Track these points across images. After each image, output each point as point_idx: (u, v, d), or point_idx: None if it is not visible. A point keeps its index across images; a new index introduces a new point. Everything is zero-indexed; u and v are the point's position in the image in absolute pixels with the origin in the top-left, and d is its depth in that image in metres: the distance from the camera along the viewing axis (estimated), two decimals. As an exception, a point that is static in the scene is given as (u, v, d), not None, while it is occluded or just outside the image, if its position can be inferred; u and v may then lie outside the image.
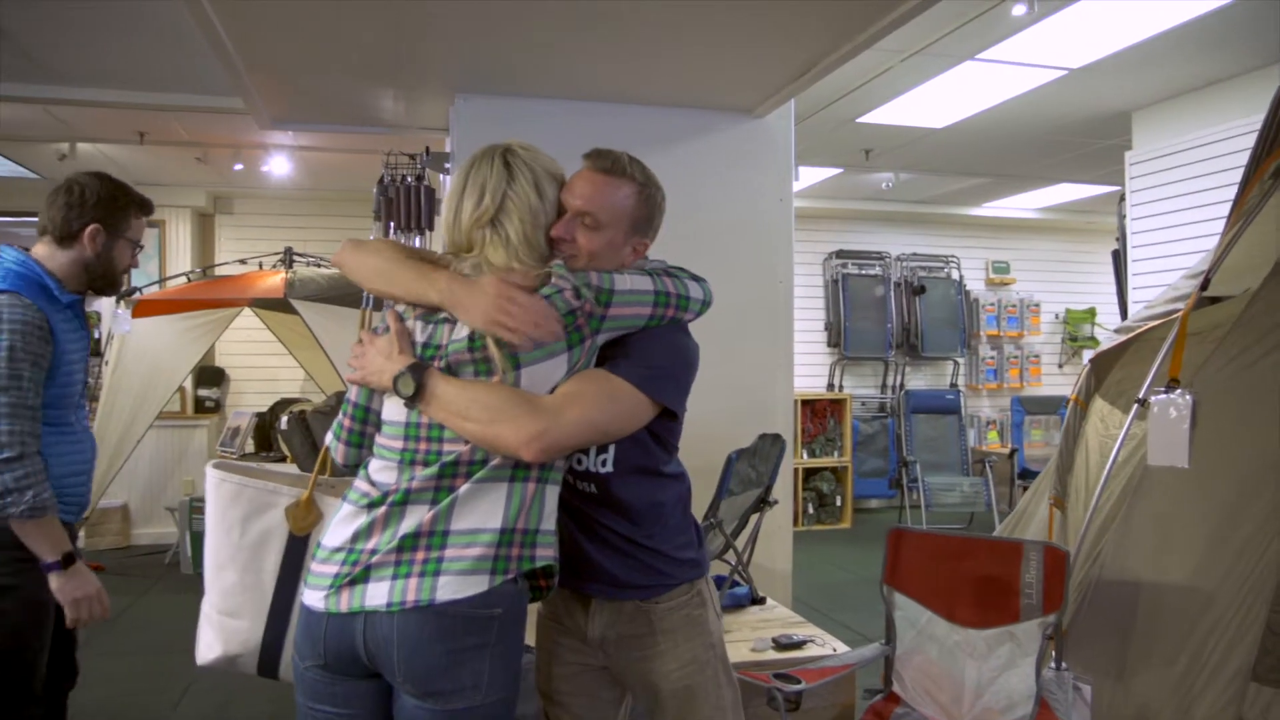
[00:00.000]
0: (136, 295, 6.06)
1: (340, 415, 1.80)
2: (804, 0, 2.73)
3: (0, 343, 2.18)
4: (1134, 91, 5.25)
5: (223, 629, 2.09)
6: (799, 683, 2.57)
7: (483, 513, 1.60)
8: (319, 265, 6.15)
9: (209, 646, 2.10)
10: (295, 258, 6.03)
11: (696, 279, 1.91)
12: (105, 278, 2.48)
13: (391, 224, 4.01)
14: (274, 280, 5.64)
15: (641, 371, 1.74)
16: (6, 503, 2.13)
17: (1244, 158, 2.54)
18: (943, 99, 5.30)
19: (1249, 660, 2.27)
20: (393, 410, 1.68)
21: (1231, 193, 2.61)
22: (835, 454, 8.29)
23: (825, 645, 2.97)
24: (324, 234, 7.18)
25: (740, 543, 3.27)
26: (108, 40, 4.08)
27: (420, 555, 1.57)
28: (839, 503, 8.24)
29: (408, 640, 1.55)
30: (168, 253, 7.64)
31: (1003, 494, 7.85)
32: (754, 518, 3.30)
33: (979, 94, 5.22)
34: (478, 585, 1.56)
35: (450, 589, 1.54)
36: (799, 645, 2.94)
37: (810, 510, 8.15)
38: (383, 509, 1.61)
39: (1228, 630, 2.34)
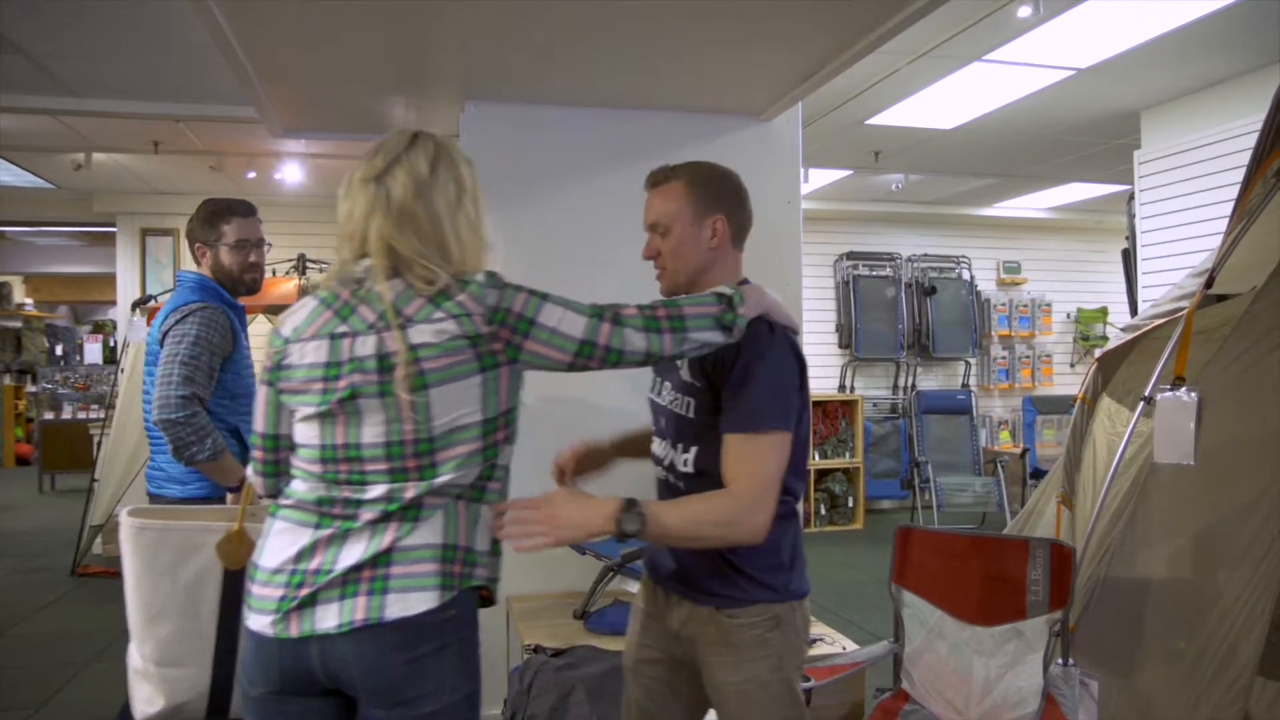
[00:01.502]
0: (151, 302, 6.12)
1: (253, 449, 1.75)
2: (810, 4, 2.76)
3: (190, 330, 2.70)
4: (1142, 91, 5.26)
5: (164, 680, 2.04)
6: (809, 680, 2.59)
7: (425, 532, 1.57)
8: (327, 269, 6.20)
9: (148, 701, 2.04)
10: (308, 264, 6.09)
11: (675, 328, 1.68)
12: (232, 282, 2.92)
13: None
14: (287, 287, 5.71)
15: (752, 410, 1.76)
16: (193, 451, 2.61)
17: (1250, 157, 2.55)
18: (951, 100, 5.32)
19: (1255, 655, 2.28)
20: (306, 434, 1.64)
21: (1240, 191, 2.63)
22: (847, 455, 8.30)
23: (835, 644, 2.99)
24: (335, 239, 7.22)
25: (750, 543, 3.29)
26: (121, 51, 4.15)
27: (366, 574, 1.54)
28: (851, 504, 8.25)
29: (365, 658, 1.53)
30: (181, 261, 7.71)
31: (1015, 494, 7.84)
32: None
33: (987, 95, 5.24)
34: (426, 602, 1.53)
35: (398, 606, 1.52)
36: (810, 644, 2.96)
37: (822, 511, 8.17)
38: (327, 530, 1.57)
39: (1234, 626, 2.35)
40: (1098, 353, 3.53)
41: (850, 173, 7.37)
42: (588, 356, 1.65)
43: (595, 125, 3.73)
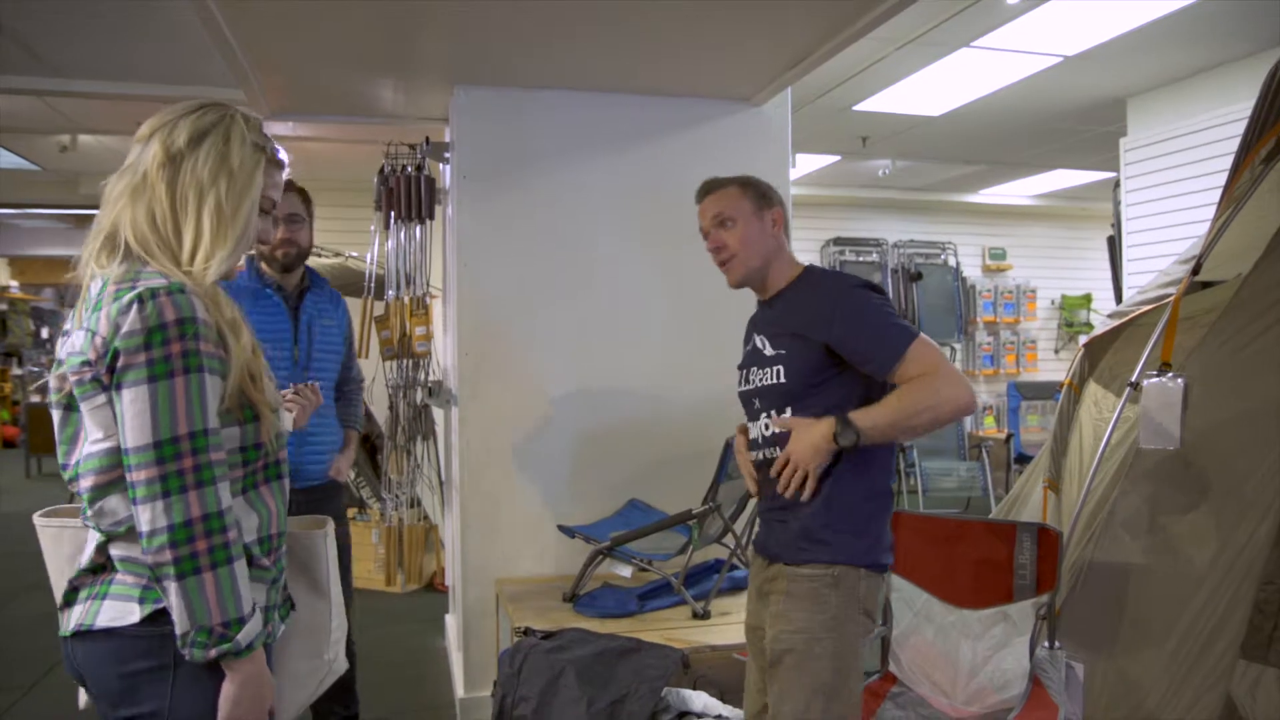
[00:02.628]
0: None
1: None
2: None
3: None
4: (1128, 78, 5.28)
5: None
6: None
7: (133, 540, 1.43)
8: (319, 254, 6.17)
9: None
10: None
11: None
12: (265, 259, 2.98)
13: (391, 213, 4.04)
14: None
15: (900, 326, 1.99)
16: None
17: (1238, 144, 2.57)
18: (938, 87, 5.33)
19: (1238, 638, 2.31)
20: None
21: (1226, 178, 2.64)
22: (833, 440, 8.31)
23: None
24: (324, 223, 7.10)
25: (739, 526, 3.31)
26: (107, 33, 4.11)
27: (89, 579, 1.48)
28: (837, 488, 8.27)
29: (89, 664, 1.47)
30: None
31: (999, 479, 7.89)
32: (752, 502, 3.34)
33: (974, 81, 5.25)
34: (129, 614, 1.43)
35: (109, 614, 1.44)
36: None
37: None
38: (85, 531, 1.52)
39: (1217, 609, 2.38)
40: (1084, 339, 3.55)
41: (838, 158, 7.38)
42: (130, 466, 1.39)
43: (585, 110, 3.73)
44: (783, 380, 2.08)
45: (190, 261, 1.46)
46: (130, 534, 1.42)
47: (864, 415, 1.93)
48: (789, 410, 2.05)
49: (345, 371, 3.18)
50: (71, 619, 1.48)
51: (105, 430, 1.42)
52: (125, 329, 1.36)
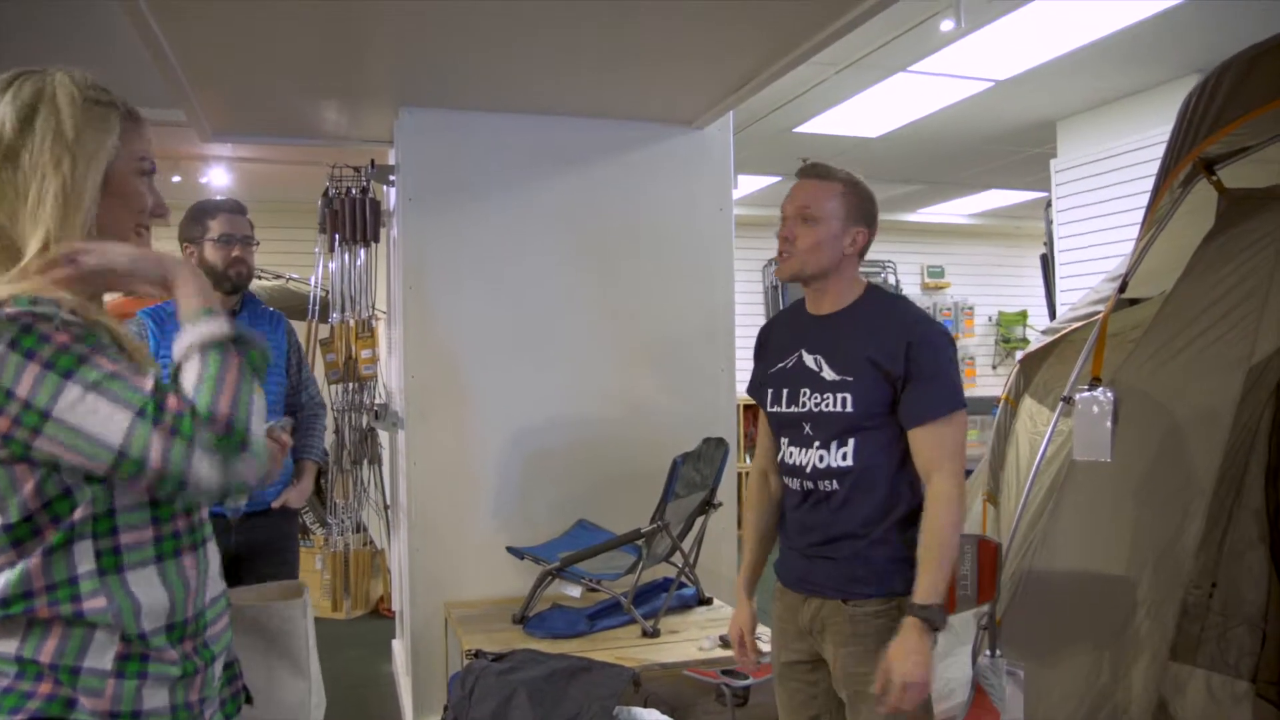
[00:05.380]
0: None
1: None
2: (742, 17, 2.82)
3: None
4: (1058, 101, 5.44)
5: None
6: (746, 678, 2.65)
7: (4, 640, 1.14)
8: (260, 276, 6.11)
9: None
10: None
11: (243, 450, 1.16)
12: (217, 278, 2.89)
13: (336, 236, 4.03)
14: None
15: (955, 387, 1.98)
16: None
17: (1158, 167, 2.68)
18: (876, 109, 5.45)
19: (1167, 642, 2.40)
20: None
21: (1153, 198, 2.75)
22: (778, 457, 8.40)
23: (770, 643, 3.05)
24: (266, 245, 7.05)
25: (686, 545, 3.34)
26: (43, 51, 4.04)
27: None
28: (783, 505, 8.34)
29: None
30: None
31: (941, 493, 8.01)
32: (699, 520, 3.37)
33: (911, 104, 5.38)
34: None
35: None
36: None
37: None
38: None
39: (1149, 614, 2.47)
40: (1020, 355, 3.65)
41: (779, 179, 7.48)
42: (130, 476, 1.09)
43: (530, 131, 3.75)
44: (850, 410, 1.98)
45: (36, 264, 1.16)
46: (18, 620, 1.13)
47: (926, 592, 1.87)
48: (851, 441, 1.99)
49: (295, 396, 3.13)
50: None
51: None
52: None
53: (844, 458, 2.00)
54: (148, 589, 1.19)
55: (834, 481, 2.01)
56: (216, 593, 1.32)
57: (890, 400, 1.95)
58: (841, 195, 2.07)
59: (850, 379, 1.99)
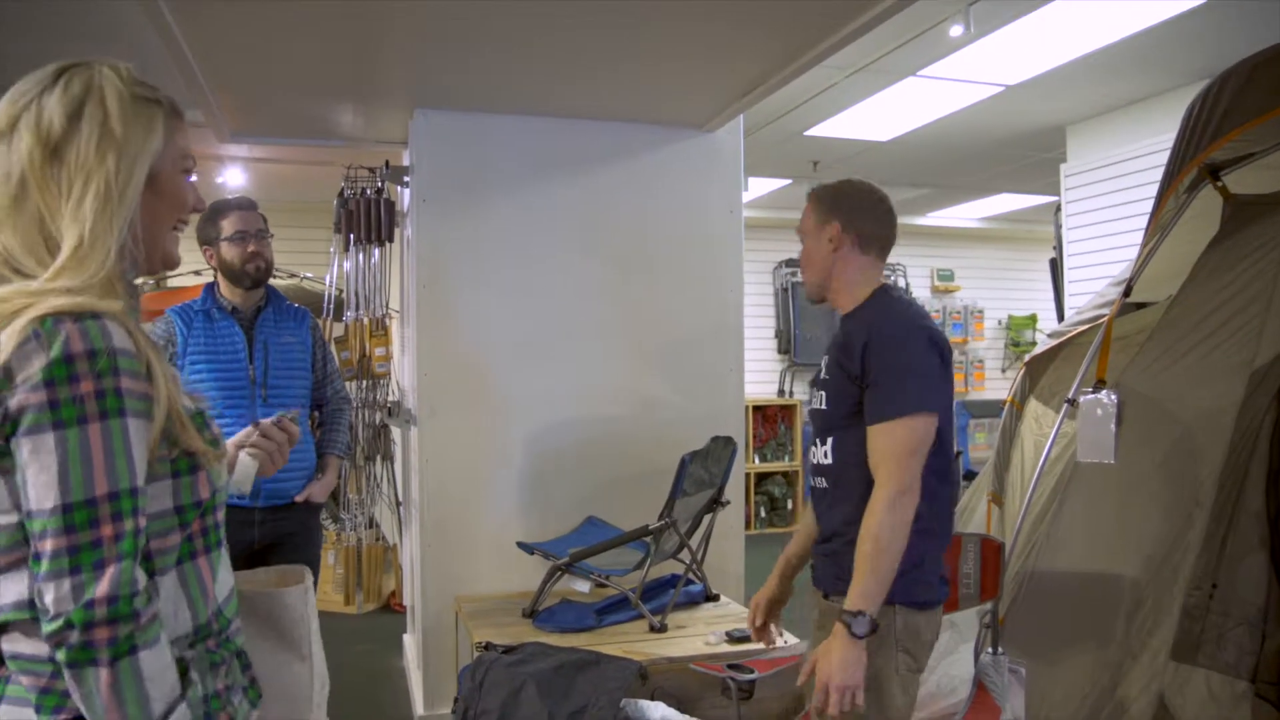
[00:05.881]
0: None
1: None
2: (754, 21, 2.86)
3: None
4: (1068, 107, 5.46)
5: None
6: (752, 672, 2.69)
7: (37, 638, 1.13)
8: (274, 276, 6.17)
9: None
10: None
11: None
12: (236, 275, 2.99)
13: (351, 235, 4.08)
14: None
15: (910, 393, 1.93)
16: None
17: (1163, 173, 2.71)
18: (887, 113, 5.48)
19: (1168, 642, 2.43)
20: None
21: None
22: (786, 459, 8.45)
23: (777, 637, 3.09)
24: (281, 244, 7.12)
25: (694, 542, 3.38)
26: (62, 52, 4.10)
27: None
28: (790, 506, 8.39)
29: None
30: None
31: (949, 496, 8.03)
32: (707, 518, 3.41)
33: (921, 109, 5.40)
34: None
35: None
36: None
37: (762, 514, 8.30)
38: None
39: (1150, 614, 2.50)
40: (1026, 358, 3.69)
41: (789, 182, 7.51)
42: (35, 534, 1.08)
43: (544, 135, 3.80)
44: (825, 407, 2.05)
45: (72, 263, 1.13)
46: (22, 624, 1.13)
47: (852, 599, 1.85)
48: (830, 439, 2.02)
49: (320, 390, 3.17)
50: None
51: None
52: (19, 369, 1.07)
53: (826, 455, 2.07)
54: (173, 592, 1.21)
55: (824, 479, 2.07)
56: (229, 589, 1.33)
57: (856, 400, 1.96)
58: (813, 204, 2.14)
59: (827, 378, 2.07)
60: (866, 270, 2.10)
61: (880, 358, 1.92)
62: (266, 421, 1.59)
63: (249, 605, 1.47)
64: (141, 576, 1.11)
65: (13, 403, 1.07)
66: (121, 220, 1.18)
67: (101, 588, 1.06)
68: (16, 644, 1.14)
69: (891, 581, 1.86)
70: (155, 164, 1.23)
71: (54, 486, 1.06)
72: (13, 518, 1.11)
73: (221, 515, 1.31)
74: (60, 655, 1.07)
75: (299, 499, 2.97)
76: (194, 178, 1.33)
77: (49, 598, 1.06)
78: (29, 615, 1.12)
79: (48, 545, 1.06)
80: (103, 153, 1.17)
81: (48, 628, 1.06)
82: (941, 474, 2.00)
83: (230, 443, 1.54)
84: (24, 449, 1.07)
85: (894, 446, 1.88)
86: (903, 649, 1.94)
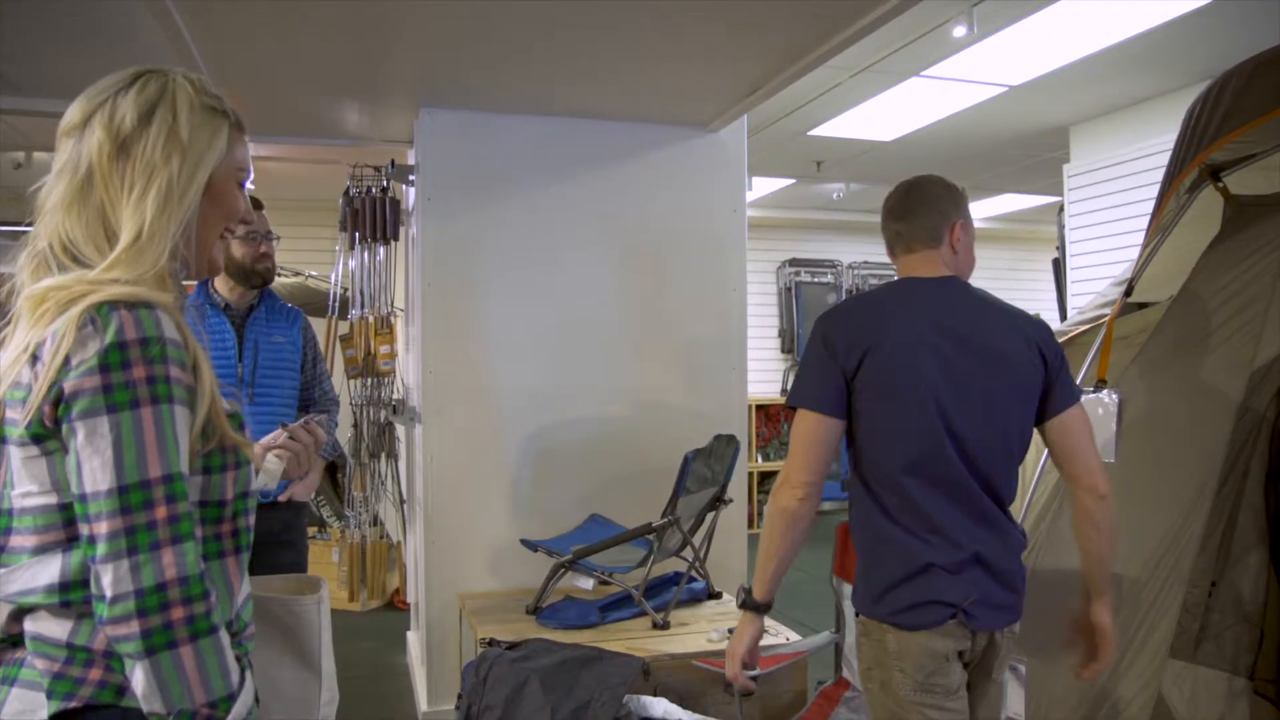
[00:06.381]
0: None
1: None
2: (758, 22, 2.89)
3: None
4: (1070, 107, 5.48)
5: None
6: (753, 669, 2.71)
7: (48, 623, 1.16)
8: (279, 274, 6.19)
9: None
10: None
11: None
12: (245, 274, 2.97)
13: (356, 234, 4.11)
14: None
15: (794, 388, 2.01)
16: None
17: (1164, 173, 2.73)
18: (890, 113, 5.49)
19: (1168, 639, 2.45)
20: None
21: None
22: (789, 458, 8.45)
23: (779, 635, 3.11)
24: (285, 242, 7.17)
25: (697, 540, 3.40)
26: (67, 52, 4.12)
27: (12, 656, 1.19)
28: (793, 505, 8.39)
29: None
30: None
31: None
32: (710, 516, 3.44)
33: (924, 109, 5.42)
34: (37, 708, 1.14)
35: (14, 706, 1.16)
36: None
37: (765, 513, 8.30)
38: None
39: (1150, 612, 2.52)
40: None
41: (793, 182, 7.53)
42: (89, 516, 1.10)
43: (548, 134, 3.83)
44: None
45: (129, 255, 1.18)
46: (51, 607, 1.15)
47: (754, 575, 2.03)
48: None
49: (309, 391, 3.16)
50: None
51: (39, 484, 1.15)
52: (75, 354, 1.10)
53: None
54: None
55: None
56: (247, 592, 1.35)
57: None
58: None
59: None
60: (899, 272, 2.18)
61: None
62: (294, 425, 1.64)
63: (261, 610, 1.47)
64: (203, 567, 1.13)
65: (67, 386, 1.09)
66: (179, 220, 1.23)
67: (170, 571, 1.08)
68: (41, 625, 1.16)
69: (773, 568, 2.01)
70: (214, 172, 1.29)
71: (109, 469, 1.08)
72: (52, 499, 1.14)
73: (251, 519, 1.33)
74: (129, 644, 1.08)
75: (282, 499, 2.95)
76: (248, 189, 1.40)
77: (106, 580, 1.07)
78: (59, 599, 1.14)
79: (104, 528, 1.08)
80: (168, 153, 1.22)
81: (109, 611, 1.07)
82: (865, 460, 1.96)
83: (259, 445, 1.59)
84: (79, 433, 1.09)
85: (793, 436, 1.96)
86: (899, 668, 1.90)
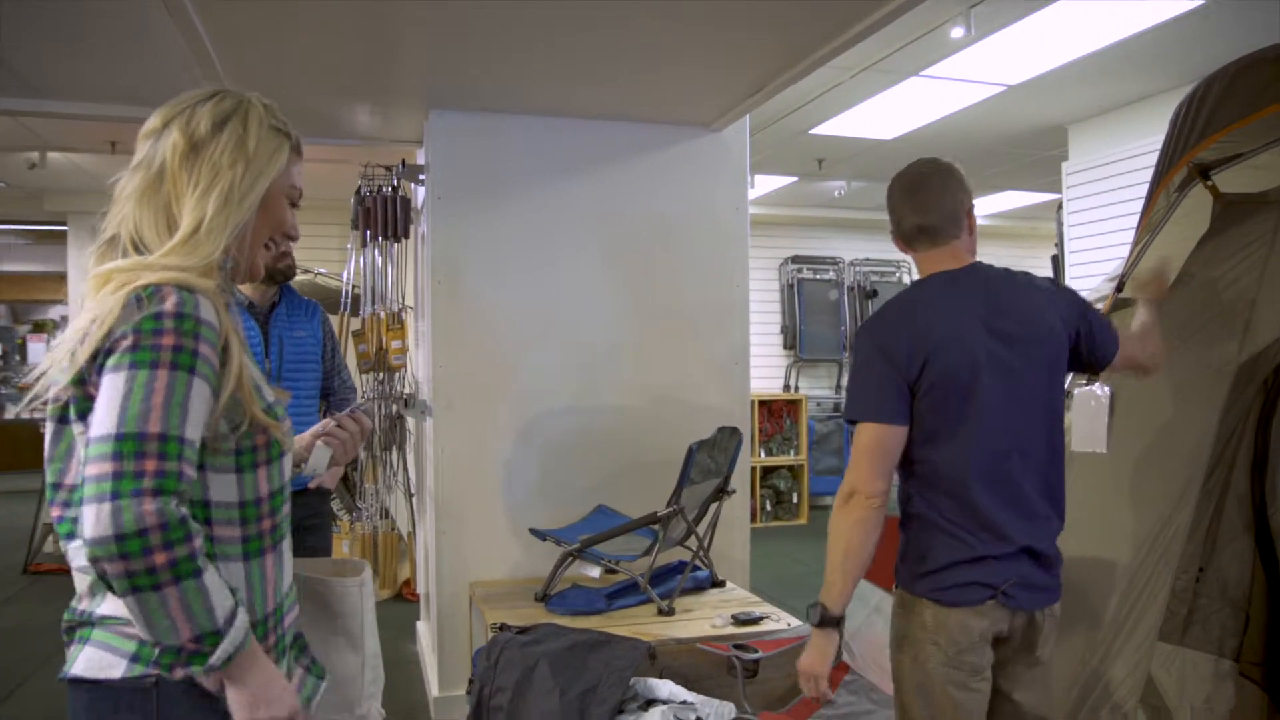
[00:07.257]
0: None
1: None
2: (760, 23, 2.96)
3: None
4: (1069, 106, 5.55)
5: None
6: (756, 652, 2.80)
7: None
8: (290, 271, 6.27)
9: None
10: (267, 264, 6.16)
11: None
12: (268, 273, 2.93)
13: (368, 232, 4.19)
14: (247, 286, 5.76)
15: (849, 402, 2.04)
16: None
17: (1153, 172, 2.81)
18: (891, 112, 5.58)
19: (1157, 624, 2.52)
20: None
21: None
22: (791, 453, 8.55)
23: (781, 621, 3.19)
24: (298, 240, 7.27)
25: (701, 529, 3.49)
26: (83, 53, 4.19)
27: (90, 617, 1.28)
28: (795, 500, 8.50)
29: (73, 717, 1.29)
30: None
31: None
32: (713, 506, 3.52)
33: (924, 108, 5.50)
34: (111, 669, 1.23)
35: (85, 664, 1.25)
36: (756, 620, 3.17)
37: (768, 507, 8.40)
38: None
39: (1140, 597, 2.59)
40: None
41: (795, 179, 7.60)
42: (87, 459, 1.17)
43: (555, 134, 3.91)
44: None
45: (185, 246, 1.29)
46: None
47: (824, 590, 1.98)
48: None
49: (329, 381, 3.26)
50: (68, 662, 1.28)
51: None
52: (118, 326, 1.19)
53: None
54: (240, 583, 1.30)
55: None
56: (290, 580, 1.42)
57: None
58: None
59: None
60: (921, 265, 2.16)
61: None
62: (342, 414, 1.75)
63: (307, 590, 1.56)
64: (186, 512, 1.16)
65: (107, 349, 1.20)
66: (235, 223, 1.34)
67: (150, 518, 1.11)
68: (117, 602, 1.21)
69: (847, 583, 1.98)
70: (272, 185, 1.41)
71: (113, 415, 1.15)
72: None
73: (288, 509, 1.41)
74: (113, 581, 1.13)
75: (312, 486, 3.04)
76: (298, 207, 1.53)
77: (86, 521, 1.12)
78: None
79: (92, 470, 1.14)
80: (234, 160, 1.35)
81: (90, 550, 1.12)
82: (931, 467, 1.99)
83: (309, 432, 1.71)
84: (103, 384, 1.18)
85: (855, 448, 1.98)
86: (933, 642, 1.95)
